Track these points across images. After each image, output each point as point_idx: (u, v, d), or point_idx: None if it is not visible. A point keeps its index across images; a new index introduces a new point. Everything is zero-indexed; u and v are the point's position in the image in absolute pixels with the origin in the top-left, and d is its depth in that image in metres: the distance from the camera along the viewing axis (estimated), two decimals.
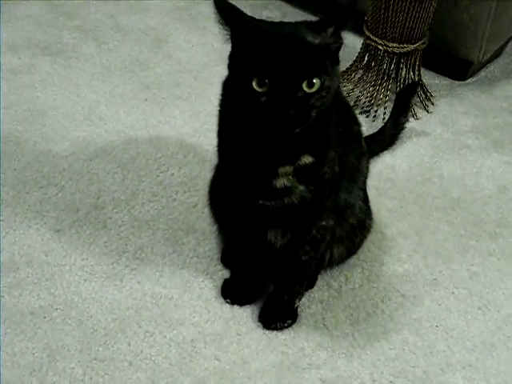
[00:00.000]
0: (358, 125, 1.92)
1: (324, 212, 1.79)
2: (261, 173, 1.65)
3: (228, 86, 1.66)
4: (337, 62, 1.57)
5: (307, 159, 1.64)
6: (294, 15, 3.23)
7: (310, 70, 1.48)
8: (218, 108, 1.72)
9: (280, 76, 1.46)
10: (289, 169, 1.64)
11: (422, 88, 2.78)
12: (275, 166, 1.63)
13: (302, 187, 1.67)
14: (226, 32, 1.54)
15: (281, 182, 1.65)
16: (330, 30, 1.53)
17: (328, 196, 1.76)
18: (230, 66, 1.59)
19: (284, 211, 1.71)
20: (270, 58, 1.47)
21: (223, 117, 1.71)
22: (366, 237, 2.06)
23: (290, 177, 1.65)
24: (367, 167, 2.00)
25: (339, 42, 1.55)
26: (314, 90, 1.49)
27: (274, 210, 1.71)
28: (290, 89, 1.47)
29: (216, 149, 1.76)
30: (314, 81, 1.48)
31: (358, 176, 1.93)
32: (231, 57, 1.58)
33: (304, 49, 1.48)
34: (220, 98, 1.71)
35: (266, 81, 1.47)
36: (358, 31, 2.78)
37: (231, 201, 1.83)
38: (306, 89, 1.48)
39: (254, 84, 1.48)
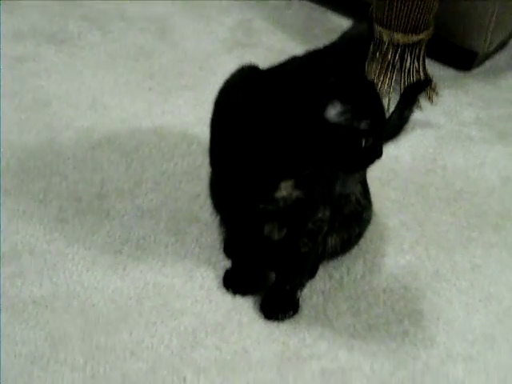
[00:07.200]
0: None
1: (319, 206, 1.79)
2: (260, 186, 1.66)
3: None
4: None
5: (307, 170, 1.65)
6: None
7: None
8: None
9: None
10: (291, 182, 1.65)
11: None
12: (277, 181, 1.64)
13: (297, 192, 1.68)
14: None
15: (280, 194, 1.66)
16: None
17: (321, 192, 1.76)
18: None
19: (280, 210, 1.72)
20: None
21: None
22: (363, 230, 2.05)
23: (290, 188, 1.66)
24: None
25: None
26: None
27: (271, 210, 1.73)
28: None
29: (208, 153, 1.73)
30: None
31: None
32: None
33: None
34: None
35: None
36: (362, 21, 2.77)
37: (225, 200, 1.84)
38: None
39: None
